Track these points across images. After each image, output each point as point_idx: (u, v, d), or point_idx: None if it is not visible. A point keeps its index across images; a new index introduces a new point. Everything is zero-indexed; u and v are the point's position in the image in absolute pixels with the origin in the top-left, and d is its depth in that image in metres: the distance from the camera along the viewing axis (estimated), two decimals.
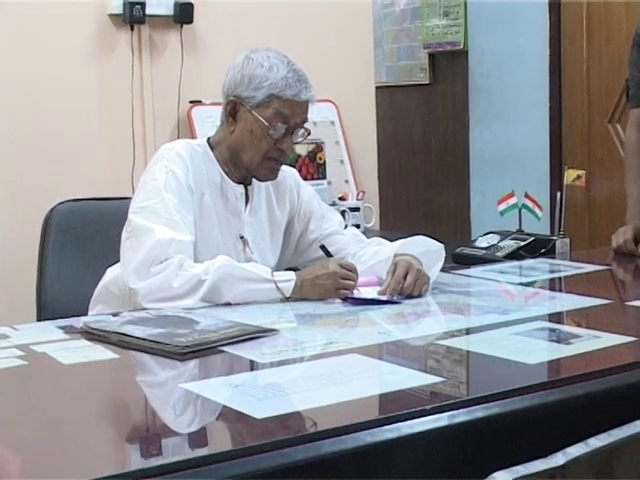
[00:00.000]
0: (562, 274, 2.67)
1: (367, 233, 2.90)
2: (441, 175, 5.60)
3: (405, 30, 5.73)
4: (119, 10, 3.56)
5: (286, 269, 2.36)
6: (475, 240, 3.21)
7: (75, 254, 2.53)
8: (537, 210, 3.15)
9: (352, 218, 3.84)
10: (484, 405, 1.45)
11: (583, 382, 1.58)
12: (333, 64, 3.91)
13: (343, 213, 3.59)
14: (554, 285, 2.58)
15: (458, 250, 3.11)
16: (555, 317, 2.12)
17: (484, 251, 3.05)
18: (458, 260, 2.99)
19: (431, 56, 5.57)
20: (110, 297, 2.28)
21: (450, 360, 1.80)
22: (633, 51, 2.96)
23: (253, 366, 1.72)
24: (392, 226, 4.74)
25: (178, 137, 3.59)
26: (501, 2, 5.04)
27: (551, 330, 1.94)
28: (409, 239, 2.41)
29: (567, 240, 2.99)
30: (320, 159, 3.96)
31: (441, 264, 2.41)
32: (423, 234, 2.46)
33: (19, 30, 3.42)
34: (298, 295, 2.19)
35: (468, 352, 1.80)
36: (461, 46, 5.30)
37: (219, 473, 1.23)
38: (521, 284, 2.49)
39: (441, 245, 2.43)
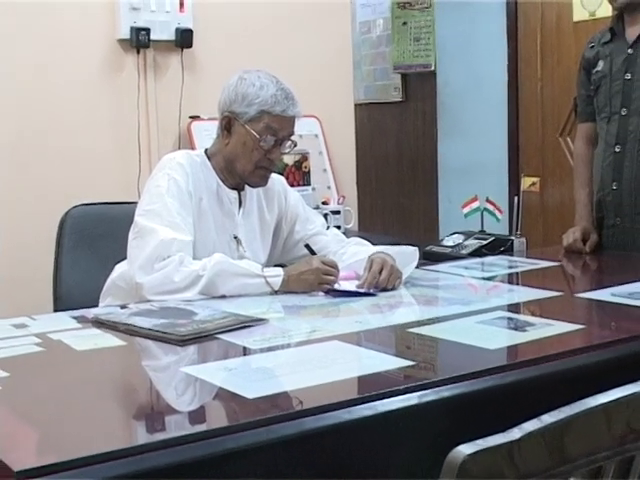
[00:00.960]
0: (519, 269, 2.68)
1: (347, 233, 2.90)
2: (412, 182, 5.61)
3: (381, 54, 5.72)
4: (127, 36, 3.55)
5: (275, 265, 2.35)
6: (442, 239, 3.22)
7: (87, 252, 2.52)
8: (497, 213, 3.15)
9: (334, 220, 3.84)
10: (450, 386, 1.45)
11: (537, 365, 1.58)
12: (317, 83, 3.91)
13: (325, 216, 3.59)
14: (512, 279, 2.58)
15: (427, 248, 3.11)
16: (513, 307, 2.12)
17: (450, 249, 3.06)
18: (427, 257, 3.00)
19: (403, 77, 5.58)
20: (118, 290, 2.28)
21: (420, 346, 1.80)
22: (580, 73, 2.98)
23: (245, 352, 1.72)
24: (369, 227, 4.74)
25: (179, 148, 3.59)
26: (465, 30, 5.05)
27: (509, 319, 1.94)
28: (388, 246, 2.41)
29: (523, 239, 3.00)
30: (305, 168, 3.96)
31: (415, 263, 2.40)
32: (396, 234, 2.47)
33: (39, 54, 3.41)
34: (285, 289, 2.18)
35: (436, 339, 1.80)
36: (432, 68, 5.31)
37: (216, 447, 1.23)
38: (483, 278, 2.49)
39: (415, 248, 2.43)
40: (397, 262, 2.29)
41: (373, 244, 2.48)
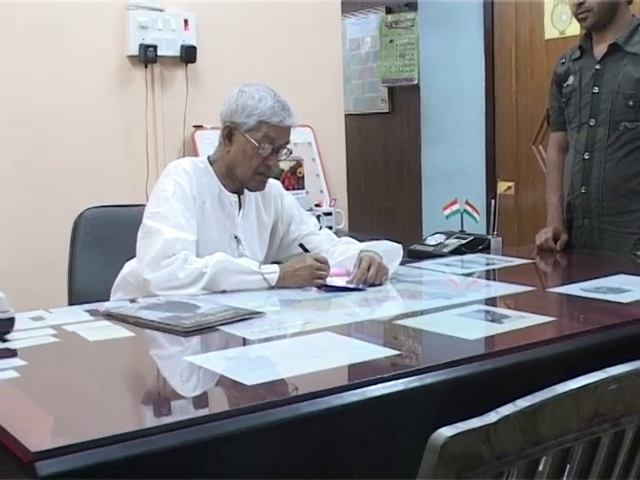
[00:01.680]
0: (496, 266, 2.68)
1: (338, 233, 2.89)
2: (398, 186, 5.62)
3: (369, 69, 5.74)
4: (135, 52, 3.55)
5: (271, 263, 2.35)
6: (425, 239, 3.22)
7: (99, 251, 2.51)
8: (475, 214, 3.16)
9: (326, 221, 3.83)
10: (433, 373, 1.45)
11: (512, 354, 1.59)
12: (311, 96, 3.90)
13: (318, 217, 3.58)
14: (489, 275, 2.58)
15: (412, 247, 3.11)
16: (490, 301, 2.12)
17: (433, 248, 3.06)
18: (412, 255, 2.99)
19: (390, 90, 5.59)
20: (128, 286, 2.27)
21: (405, 336, 1.80)
22: (552, 86, 2.98)
23: (245, 342, 1.71)
24: (358, 227, 4.74)
25: (184, 155, 3.58)
26: (446, 47, 5.06)
27: (487, 312, 1.95)
28: (374, 242, 2.41)
29: (500, 239, 3.00)
30: (300, 173, 3.96)
31: (399, 259, 2.40)
32: (383, 234, 2.46)
33: (56, 69, 3.40)
34: (281, 284, 2.18)
35: (420, 330, 1.80)
36: (415, 81, 5.31)
37: (218, 429, 1.23)
38: (463, 274, 2.49)
39: (399, 245, 2.43)
40: (384, 259, 2.29)
41: (362, 242, 2.48)
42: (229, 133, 2.29)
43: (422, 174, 5.34)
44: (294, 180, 3.93)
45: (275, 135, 2.26)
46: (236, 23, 3.84)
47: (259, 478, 1.27)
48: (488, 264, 2.71)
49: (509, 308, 2.01)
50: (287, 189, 2.83)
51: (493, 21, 4.78)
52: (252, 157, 2.27)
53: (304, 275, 2.20)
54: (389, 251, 2.36)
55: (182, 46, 3.66)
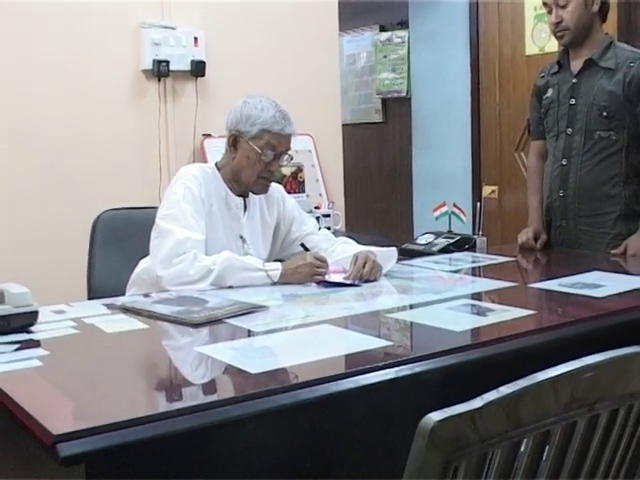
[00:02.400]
0: (481, 264, 2.68)
1: (336, 233, 2.89)
2: (391, 190, 5.61)
3: (364, 82, 5.74)
4: (149, 66, 3.55)
5: (274, 261, 2.35)
6: (416, 238, 3.22)
7: (115, 249, 2.51)
8: (462, 216, 3.16)
9: (324, 222, 3.82)
10: (423, 362, 1.45)
11: (496, 344, 1.59)
12: (311, 107, 3.90)
13: (318, 218, 3.57)
14: (475, 272, 2.58)
15: (404, 246, 3.12)
16: (476, 296, 2.11)
17: (423, 247, 3.06)
18: (403, 253, 2.98)
19: (383, 101, 5.59)
20: (142, 282, 2.27)
21: (397, 328, 1.80)
22: (532, 98, 2.98)
23: (249, 334, 1.71)
24: (355, 228, 4.73)
25: (193, 162, 3.57)
26: (436, 63, 5.06)
27: (472, 305, 1.94)
28: (371, 247, 2.40)
29: (485, 238, 3.01)
30: (300, 178, 3.95)
31: (394, 261, 2.39)
32: (377, 234, 2.46)
33: (78, 83, 3.40)
34: (283, 280, 2.18)
35: (411, 322, 1.80)
36: (404, 94, 5.32)
37: (225, 414, 1.22)
38: (450, 271, 2.49)
39: (394, 248, 2.42)
40: (378, 258, 2.29)
41: (357, 242, 2.48)
42: (234, 141, 2.29)
43: (413, 179, 5.35)
44: (295, 184, 3.93)
45: (276, 142, 2.26)
46: (242, 40, 3.84)
47: (263, 459, 1.27)
48: (474, 262, 2.71)
49: (493, 302, 2.01)
50: (289, 192, 2.82)
51: (478, 38, 4.78)
52: (255, 163, 2.27)
53: (304, 272, 2.19)
54: (384, 252, 2.35)
55: (192, 61, 3.66)
